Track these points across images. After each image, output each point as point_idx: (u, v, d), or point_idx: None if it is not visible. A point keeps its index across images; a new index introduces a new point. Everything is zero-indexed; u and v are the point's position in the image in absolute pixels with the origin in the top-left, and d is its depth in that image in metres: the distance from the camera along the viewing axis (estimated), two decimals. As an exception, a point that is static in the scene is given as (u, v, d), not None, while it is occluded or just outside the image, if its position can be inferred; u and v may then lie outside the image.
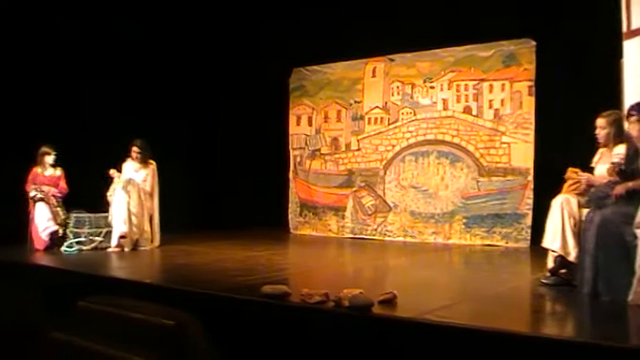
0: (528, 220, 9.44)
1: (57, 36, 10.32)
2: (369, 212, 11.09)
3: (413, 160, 10.63)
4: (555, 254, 5.77)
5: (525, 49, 9.61)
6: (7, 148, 9.38)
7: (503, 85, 9.81)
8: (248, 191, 12.22)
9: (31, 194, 9.00)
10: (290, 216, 12.19)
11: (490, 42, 9.92)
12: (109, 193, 9.07)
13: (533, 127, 9.49)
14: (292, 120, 12.25)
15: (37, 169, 9.15)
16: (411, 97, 10.73)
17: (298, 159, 12.15)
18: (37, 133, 9.47)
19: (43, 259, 8.20)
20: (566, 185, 5.99)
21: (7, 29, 9.77)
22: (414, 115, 10.66)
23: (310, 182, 11.94)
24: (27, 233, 8.97)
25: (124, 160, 9.35)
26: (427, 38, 10.12)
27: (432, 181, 10.42)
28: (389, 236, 10.80)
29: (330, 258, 9.29)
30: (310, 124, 12.02)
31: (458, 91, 10.23)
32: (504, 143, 9.75)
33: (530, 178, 9.47)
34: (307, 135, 12.04)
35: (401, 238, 10.64)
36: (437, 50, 10.45)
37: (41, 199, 8.97)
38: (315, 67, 11.99)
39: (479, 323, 4.21)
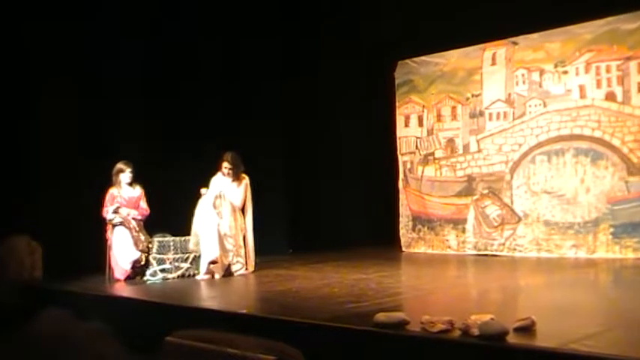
0: (691, 227, 9.12)
1: (145, 55, 10.74)
2: (495, 224, 10.92)
3: (545, 161, 10.40)
4: None
5: (681, 17, 9.29)
6: (83, 168, 9.66)
7: (655, 63, 9.49)
8: (352, 206, 12.24)
9: (109, 218, 9.14)
10: (401, 232, 12.15)
11: (636, 11, 9.56)
12: (196, 211, 9.19)
13: (694, 112, 9.17)
14: (400, 121, 12.22)
15: (114, 190, 9.25)
16: (540, 86, 10.51)
17: (408, 165, 12.10)
18: (116, 150, 9.72)
19: (124, 290, 8.45)
20: None
21: (101, 52, 10.21)
22: (544, 106, 10.43)
23: (424, 192, 11.85)
24: (105, 262, 9.12)
25: (212, 175, 9.38)
26: (556, 13, 9.83)
27: (570, 184, 10.15)
28: (519, 251, 10.59)
29: (451, 279, 9.24)
30: (421, 125, 11.96)
31: (598, 74, 9.91)
32: (658, 135, 9.43)
33: (693, 175, 9.15)
34: (418, 137, 11.98)
35: (534, 254, 10.43)
36: (569, 27, 10.16)
37: (120, 224, 9.15)
38: (423, 58, 11.92)
39: (635, 354, 4.05)
